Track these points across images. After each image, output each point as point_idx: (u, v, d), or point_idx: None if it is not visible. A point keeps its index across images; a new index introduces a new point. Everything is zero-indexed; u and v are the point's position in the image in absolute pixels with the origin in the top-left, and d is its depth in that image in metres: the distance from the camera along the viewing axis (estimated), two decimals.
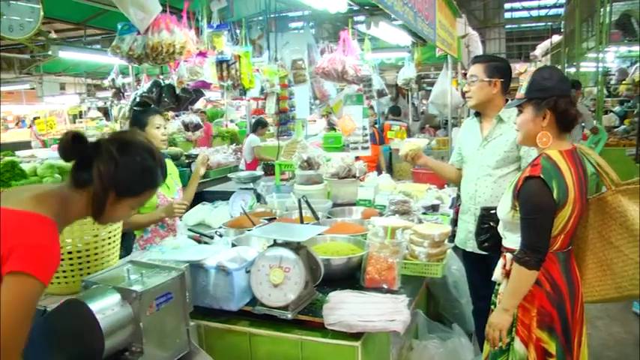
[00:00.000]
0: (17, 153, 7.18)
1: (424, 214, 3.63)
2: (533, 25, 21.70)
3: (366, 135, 4.80)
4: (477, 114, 3.21)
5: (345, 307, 2.19)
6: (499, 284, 2.39)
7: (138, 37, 3.60)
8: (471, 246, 3.16)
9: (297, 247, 2.22)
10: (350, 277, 2.57)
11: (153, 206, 3.22)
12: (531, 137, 2.28)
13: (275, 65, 4.86)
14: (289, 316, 2.16)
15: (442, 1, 5.40)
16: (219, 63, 4.02)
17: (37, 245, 1.41)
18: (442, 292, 3.80)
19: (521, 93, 2.30)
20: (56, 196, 1.58)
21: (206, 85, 4.30)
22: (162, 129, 3.33)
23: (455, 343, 3.21)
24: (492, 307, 2.43)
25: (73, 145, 1.58)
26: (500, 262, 2.36)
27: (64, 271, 2.18)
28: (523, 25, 22.33)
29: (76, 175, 1.62)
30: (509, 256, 2.32)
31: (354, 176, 4.01)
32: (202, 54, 3.90)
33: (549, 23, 18.29)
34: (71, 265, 2.14)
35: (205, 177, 6.38)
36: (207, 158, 3.68)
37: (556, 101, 2.19)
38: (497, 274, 2.37)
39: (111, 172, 1.60)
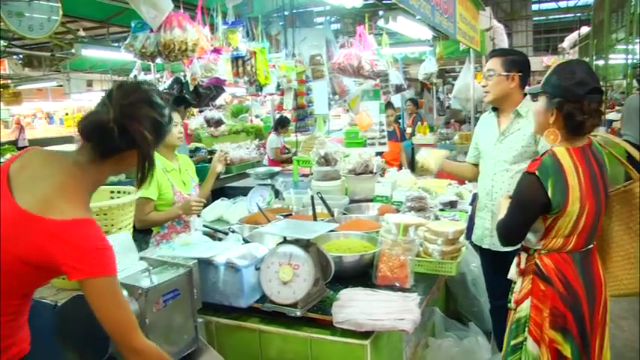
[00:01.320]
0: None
1: (441, 210, 3.58)
2: (562, 16, 21.33)
3: (383, 131, 4.76)
4: (495, 109, 3.15)
5: (354, 305, 2.17)
6: (514, 283, 2.35)
7: (150, 35, 3.62)
8: (488, 243, 3.11)
9: (306, 245, 2.21)
10: (362, 274, 2.55)
11: (169, 203, 3.24)
12: (543, 128, 2.24)
13: (292, 61, 4.85)
14: (298, 313, 2.15)
15: None
16: (235, 59, 4.03)
17: (93, 249, 1.48)
18: (461, 289, 3.76)
19: None
20: (80, 183, 1.57)
21: (220, 82, 4.30)
22: (179, 126, 3.34)
23: (471, 341, 3.17)
24: (509, 304, 2.38)
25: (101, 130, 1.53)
26: (515, 260, 2.33)
27: None
28: (551, 17, 21.94)
29: (104, 148, 1.57)
30: (523, 255, 2.30)
31: (372, 172, 3.98)
32: (217, 50, 3.90)
33: (578, 14, 17.93)
34: None
35: (227, 172, 6.41)
36: (224, 155, 3.66)
37: (563, 104, 2.11)
38: (512, 272, 2.34)
39: (153, 134, 1.59)
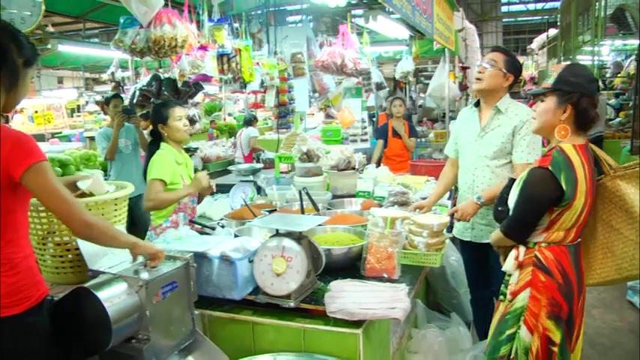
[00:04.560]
0: None
1: None
2: (530, 18, 21.76)
3: (365, 127, 4.83)
4: (477, 104, 3.22)
5: (346, 296, 2.23)
6: (509, 275, 2.42)
7: (140, 31, 3.62)
8: (469, 236, 3.21)
9: (299, 237, 2.25)
10: (351, 266, 2.61)
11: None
12: (547, 128, 2.32)
13: (274, 59, 4.89)
14: (292, 304, 2.19)
15: None
16: (220, 56, 4.05)
17: (19, 139, 1.69)
18: (440, 282, 3.85)
19: (548, 82, 2.33)
20: None
21: (207, 79, 4.32)
22: (184, 120, 3.35)
23: (453, 332, 3.25)
24: (502, 297, 2.44)
25: None
26: (513, 253, 2.39)
27: (70, 261, 2.22)
28: (520, 19, 22.37)
29: None
30: (522, 248, 2.36)
31: (354, 168, 4.05)
32: (203, 47, 3.92)
33: (546, 17, 18.33)
34: (77, 254, 2.17)
35: (204, 170, 6.39)
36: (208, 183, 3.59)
37: (579, 98, 2.22)
38: (508, 264, 2.40)
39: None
